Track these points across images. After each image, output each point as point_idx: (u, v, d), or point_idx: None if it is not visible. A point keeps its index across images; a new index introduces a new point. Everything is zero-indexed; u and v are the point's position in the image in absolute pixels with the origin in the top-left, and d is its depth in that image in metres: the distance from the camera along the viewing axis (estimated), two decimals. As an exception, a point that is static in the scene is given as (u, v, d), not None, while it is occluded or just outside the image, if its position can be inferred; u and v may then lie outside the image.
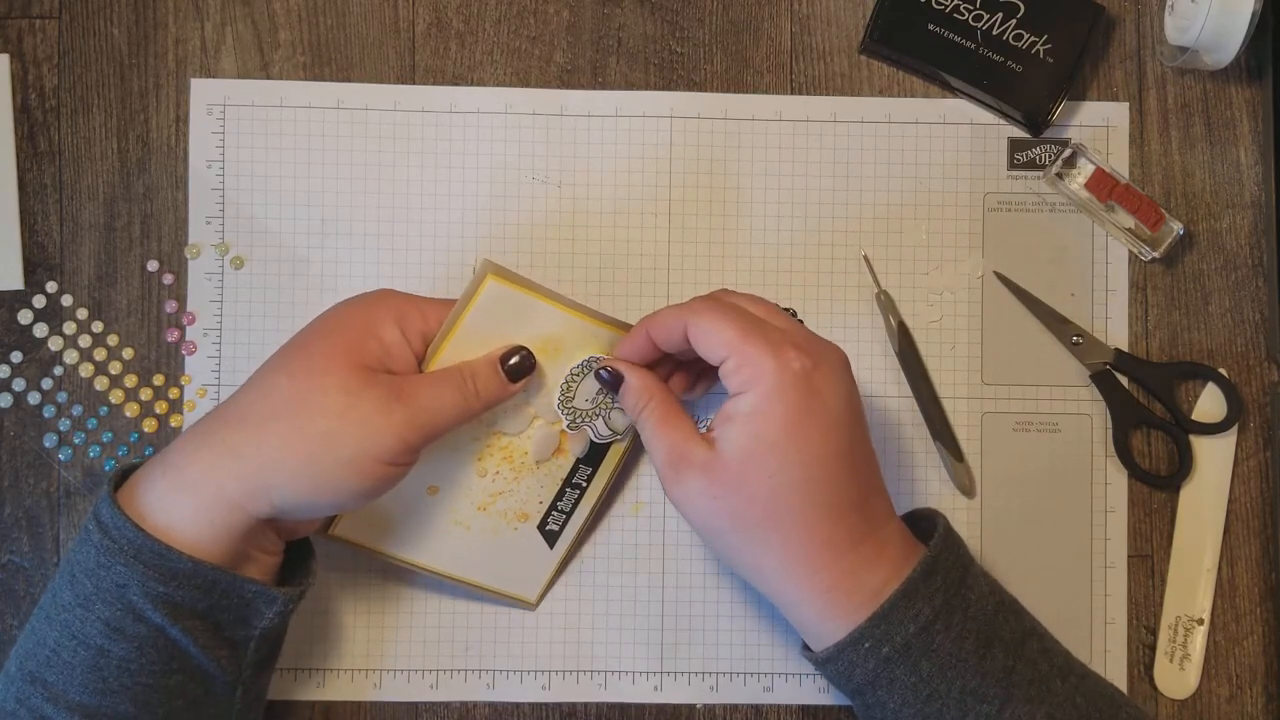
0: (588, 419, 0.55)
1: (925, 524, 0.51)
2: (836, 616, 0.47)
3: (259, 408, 0.46)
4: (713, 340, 0.48)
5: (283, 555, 0.50)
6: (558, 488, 0.56)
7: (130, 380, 0.59)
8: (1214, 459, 0.60)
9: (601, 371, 0.52)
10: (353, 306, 0.50)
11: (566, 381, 0.53)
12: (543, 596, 0.58)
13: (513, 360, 0.51)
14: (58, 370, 0.59)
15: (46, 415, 0.59)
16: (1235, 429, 0.60)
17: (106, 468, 0.59)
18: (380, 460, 0.46)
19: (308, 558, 0.52)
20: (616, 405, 0.54)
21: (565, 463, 0.56)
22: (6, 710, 0.46)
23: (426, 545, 0.55)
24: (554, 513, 0.57)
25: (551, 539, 0.57)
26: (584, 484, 0.57)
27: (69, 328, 0.59)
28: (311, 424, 0.45)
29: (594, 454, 0.56)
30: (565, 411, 0.54)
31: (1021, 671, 0.47)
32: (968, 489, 0.60)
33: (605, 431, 0.55)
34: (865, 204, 0.61)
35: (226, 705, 0.49)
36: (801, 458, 0.46)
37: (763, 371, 0.46)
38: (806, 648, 0.51)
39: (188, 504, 0.45)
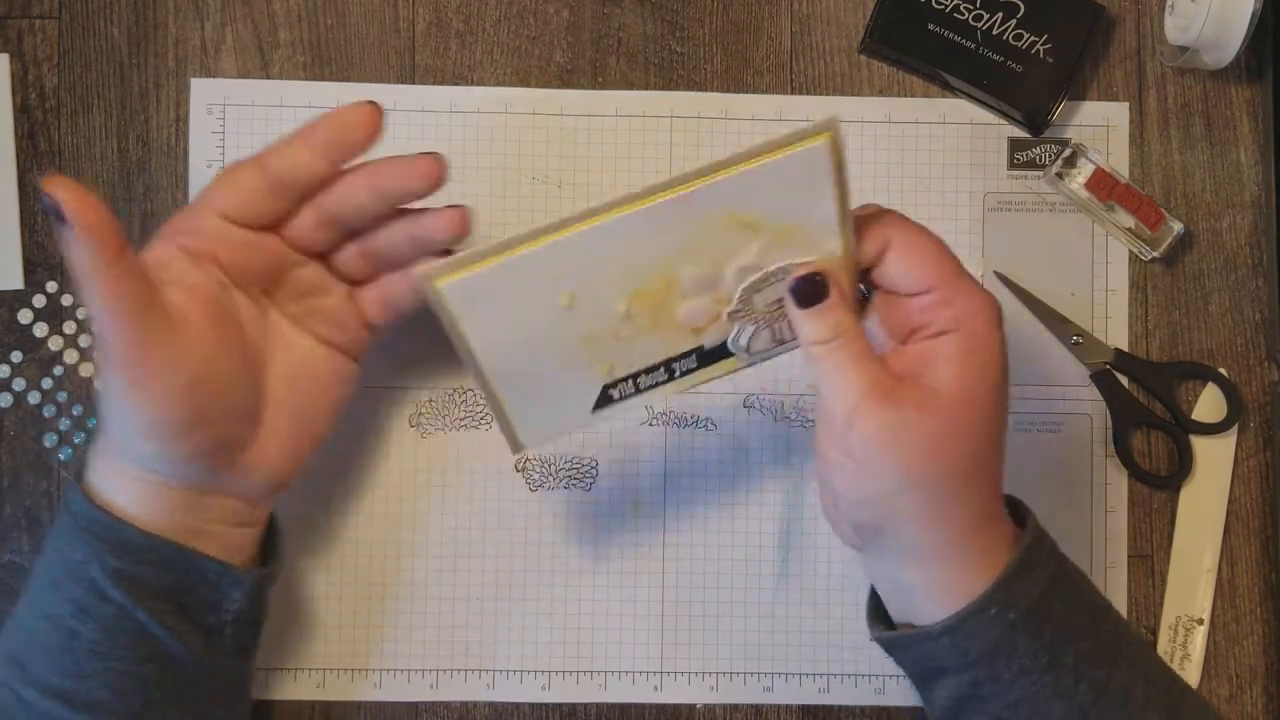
0: (749, 319, 0.47)
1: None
2: (986, 566, 0.44)
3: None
4: (921, 265, 0.44)
5: (260, 529, 0.49)
6: (657, 362, 0.48)
7: (130, 380, 0.59)
8: (1214, 459, 0.60)
9: (798, 280, 0.44)
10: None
11: (758, 280, 0.46)
12: (532, 447, 0.50)
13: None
14: (58, 370, 0.59)
15: (46, 415, 0.59)
16: (1235, 429, 0.60)
17: (106, 468, 0.59)
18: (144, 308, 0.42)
19: (276, 541, 0.51)
20: (775, 326, 0.47)
21: (686, 342, 0.47)
22: None
23: (505, 344, 0.46)
24: (628, 381, 0.48)
25: (604, 403, 0.48)
26: (674, 376, 0.48)
27: (69, 327, 0.59)
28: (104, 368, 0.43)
29: (711, 355, 0.48)
30: (742, 297, 0.46)
31: (1121, 635, 0.47)
32: (968, 489, 0.60)
33: (743, 343, 0.48)
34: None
35: (207, 696, 0.48)
36: (1004, 390, 0.44)
37: (977, 311, 0.43)
38: (885, 629, 0.49)
39: (117, 481, 0.45)
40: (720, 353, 0.48)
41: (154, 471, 0.45)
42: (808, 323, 0.45)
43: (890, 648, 0.48)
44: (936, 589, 0.45)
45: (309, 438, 0.49)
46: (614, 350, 0.47)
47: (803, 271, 0.44)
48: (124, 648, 0.45)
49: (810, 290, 0.44)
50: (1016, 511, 0.48)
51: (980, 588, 0.44)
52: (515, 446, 0.49)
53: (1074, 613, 0.46)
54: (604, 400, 0.48)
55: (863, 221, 0.45)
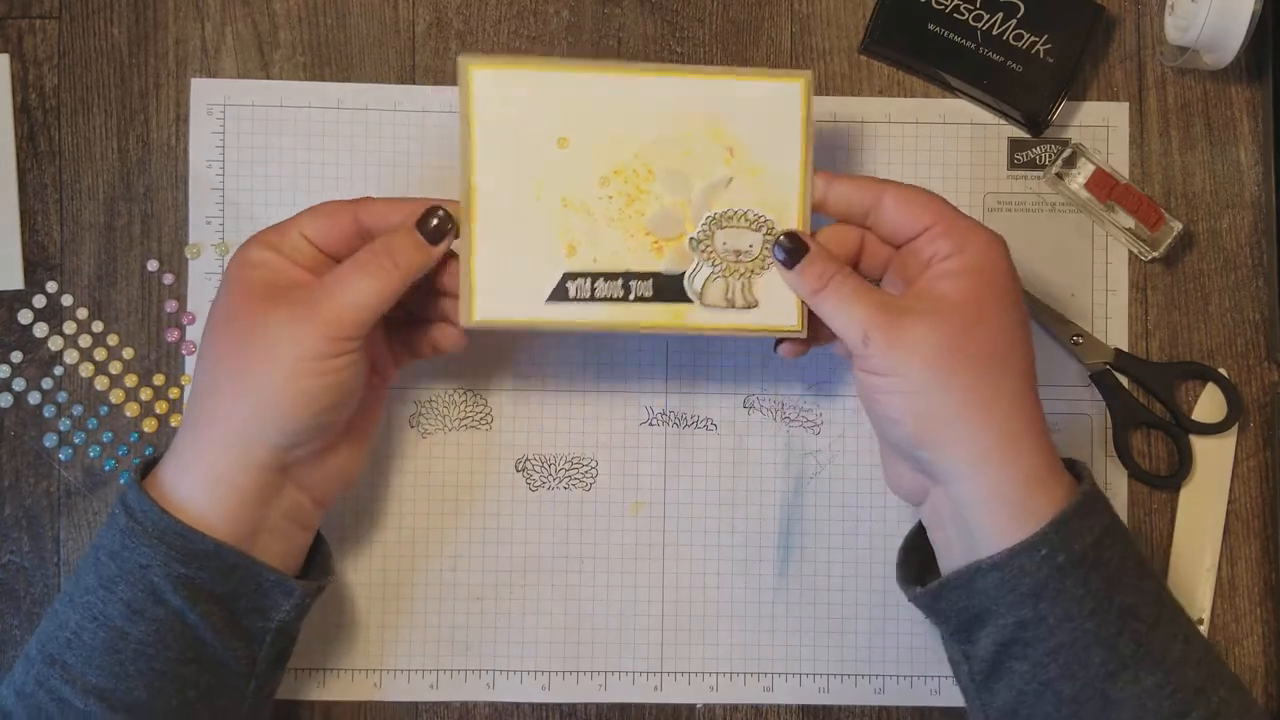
0: (707, 258, 0.51)
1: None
2: (1042, 483, 0.46)
3: (206, 378, 0.48)
4: (919, 208, 0.48)
5: (309, 539, 0.51)
6: (618, 270, 0.51)
7: (130, 380, 0.59)
8: (1214, 459, 0.60)
9: (779, 245, 0.50)
10: (227, 268, 0.50)
11: (724, 215, 0.51)
12: (481, 327, 0.51)
13: (432, 223, 0.49)
14: (58, 370, 0.59)
15: (46, 415, 0.59)
16: (1235, 429, 0.60)
17: (107, 467, 0.59)
18: (316, 359, 0.46)
19: (325, 556, 0.53)
20: (743, 279, 0.51)
21: (647, 260, 0.51)
22: (26, 692, 0.46)
23: (499, 162, 0.50)
24: (586, 280, 0.51)
25: (559, 295, 0.50)
26: (629, 297, 0.51)
27: (69, 328, 0.59)
28: (246, 364, 0.47)
29: (668, 289, 0.51)
30: (705, 226, 0.51)
31: (1165, 596, 0.48)
32: (968, 489, 0.60)
33: (698, 286, 0.51)
34: (865, 204, 0.61)
35: (238, 699, 0.49)
36: (1020, 308, 0.48)
37: (976, 237, 0.48)
38: (911, 583, 0.50)
39: (194, 483, 0.47)
40: (675, 290, 0.51)
41: (275, 445, 0.47)
42: (800, 279, 0.50)
43: (935, 599, 0.49)
44: (996, 503, 0.46)
45: (361, 453, 0.53)
46: (583, 227, 0.50)
47: (780, 234, 0.50)
48: (171, 649, 0.46)
49: (793, 249, 0.50)
50: (1075, 470, 0.49)
51: (1035, 517, 0.45)
52: (466, 318, 0.51)
53: (1123, 566, 0.46)
54: (560, 293, 0.51)
55: (859, 180, 0.50)
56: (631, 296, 0.51)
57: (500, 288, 0.50)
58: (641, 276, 0.51)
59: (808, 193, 0.51)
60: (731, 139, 0.50)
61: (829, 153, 0.61)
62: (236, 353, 0.47)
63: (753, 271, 0.51)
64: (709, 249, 0.51)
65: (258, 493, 0.47)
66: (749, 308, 0.51)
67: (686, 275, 0.51)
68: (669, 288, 0.51)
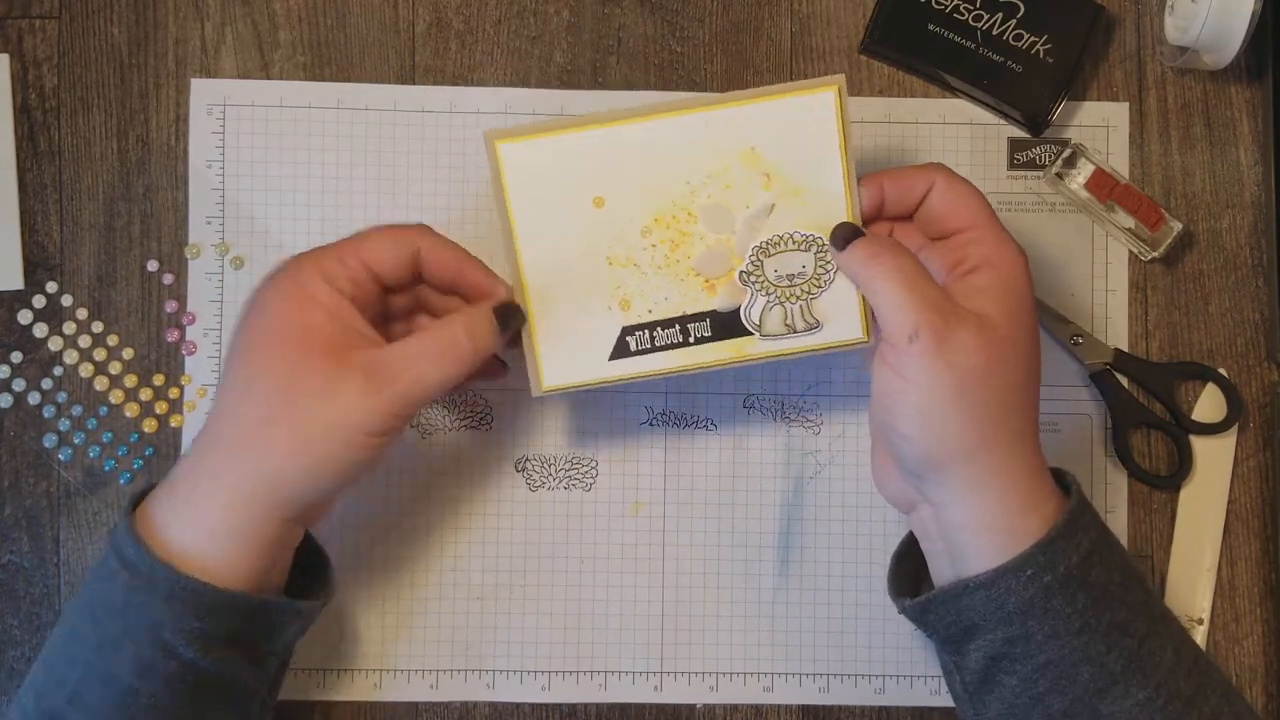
0: (761, 288, 0.50)
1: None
2: (1032, 508, 0.46)
3: (239, 421, 0.46)
4: (964, 206, 0.48)
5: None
6: (673, 316, 0.51)
7: (130, 380, 0.59)
8: (1214, 459, 0.60)
9: (833, 233, 0.49)
10: (276, 291, 0.47)
11: (770, 242, 0.50)
12: (550, 393, 0.51)
13: (509, 316, 0.49)
14: (58, 370, 0.59)
15: (46, 415, 0.59)
16: (1235, 429, 0.60)
17: (106, 468, 0.59)
18: (375, 434, 0.46)
19: (325, 569, 0.52)
20: (800, 302, 0.50)
21: (700, 301, 0.51)
22: None
23: (540, 232, 0.50)
24: (645, 331, 0.51)
25: (620, 351, 0.51)
26: (689, 340, 0.51)
27: (69, 328, 0.59)
28: (298, 426, 0.45)
29: (726, 326, 0.51)
30: (753, 258, 0.50)
31: (1154, 607, 0.48)
32: (968, 489, 0.60)
33: (755, 317, 0.50)
34: (865, 204, 0.61)
35: (245, 715, 0.49)
36: (1037, 334, 0.48)
37: (1007, 251, 0.48)
38: (905, 594, 0.50)
39: (207, 536, 0.45)
40: (733, 325, 0.51)
41: (307, 502, 0.46)
42: (852, 252, 0.49)
43: (923, 612, 0.49)
44: (984, 531, 0.46)
45: None
46: (633, 281, 0.50)
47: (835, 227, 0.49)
48: (181, 695, 0.45)
49: (846, 233, 0.49)
50: (1063, 481, 0.49)
51: (1024, 538, 0.46)
52: (536, 388, 0.51)
53: (1110, 581, 0.46)
54: (621, 349, 0.51)
55: (911, 169, 0.50)
56: (691, 340, 0.51)
57: (563, 354, 0.51)
58: (698, 318, 0.51)
59: (855, 201, 0.50)
60: (767, 164, 0.49)
61: (829, 153, 0.61)
62: (286, 409, 0.45)
63: (809, 293, 0.50)
64: (761, 280, 0.50)
65: (277, 541, 0.47)
66: (811, 330, 0.51)
67: (743, 309, 0.51)
68: (727, 324, 0.51)
